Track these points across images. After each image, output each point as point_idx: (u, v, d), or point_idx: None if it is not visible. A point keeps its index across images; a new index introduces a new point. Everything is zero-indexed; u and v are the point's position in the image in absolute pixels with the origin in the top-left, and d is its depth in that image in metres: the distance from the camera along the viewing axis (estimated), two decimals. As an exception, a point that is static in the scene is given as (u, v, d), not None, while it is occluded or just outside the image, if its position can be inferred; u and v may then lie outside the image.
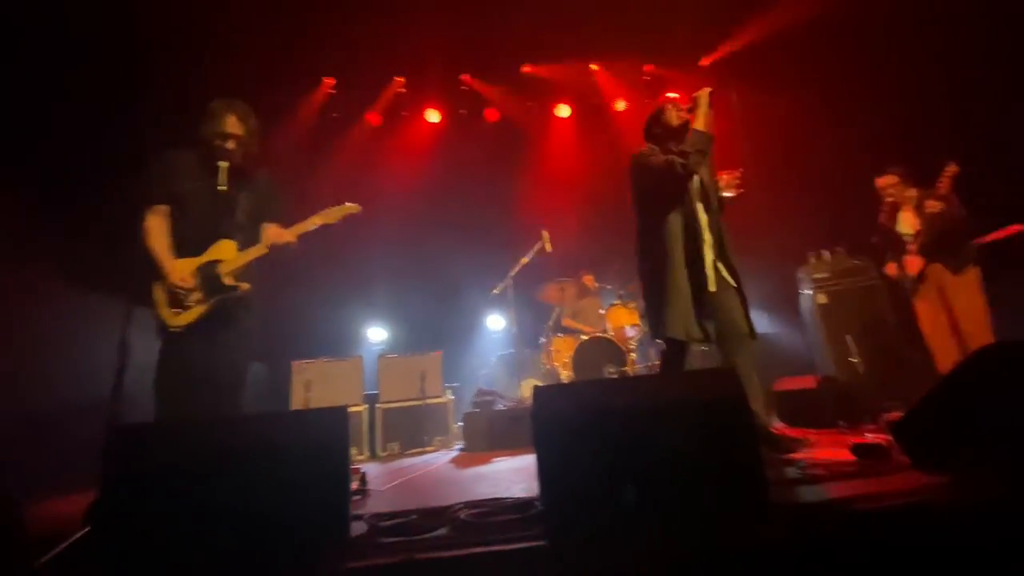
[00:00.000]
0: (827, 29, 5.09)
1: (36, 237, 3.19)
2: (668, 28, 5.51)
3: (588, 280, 5.54)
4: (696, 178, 2.45)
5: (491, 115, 6.51)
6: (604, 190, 5.71)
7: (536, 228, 5.23)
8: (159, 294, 2.22)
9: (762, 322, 5.84)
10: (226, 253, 2.28)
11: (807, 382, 3.14)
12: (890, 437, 1.76)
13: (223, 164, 2.30)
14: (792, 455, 2.05)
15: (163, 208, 2.28)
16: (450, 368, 5.24)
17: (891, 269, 3.86)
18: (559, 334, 5.18)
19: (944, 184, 3.43)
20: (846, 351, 4.47)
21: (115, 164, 3.25)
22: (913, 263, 3.64)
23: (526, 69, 6.20)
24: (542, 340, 5.32)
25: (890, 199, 3.76)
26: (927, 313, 3.62)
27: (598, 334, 4.84)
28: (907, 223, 3.71)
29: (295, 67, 5.52)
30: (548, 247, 5.13)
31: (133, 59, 4.06)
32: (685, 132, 2.42)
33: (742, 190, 2.56)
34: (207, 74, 4.32)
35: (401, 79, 6.13)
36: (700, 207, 2.44)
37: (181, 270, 2.20)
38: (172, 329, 2.18)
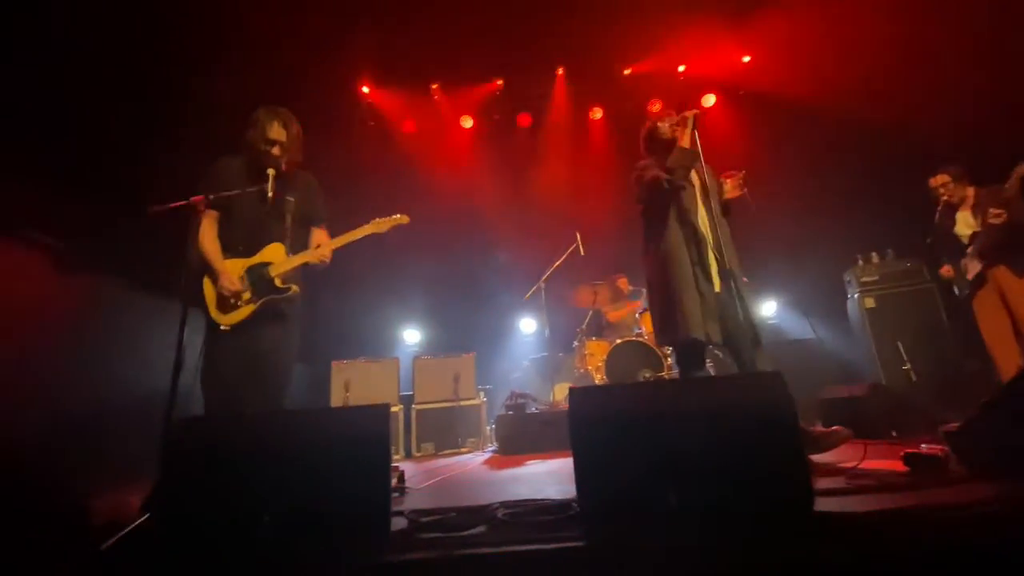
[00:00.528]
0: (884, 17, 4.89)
1: (98, 241, 3.40)
2: (705, 27, 5.41)
3: (622, 283, 5.48)
4: (697, 183, 2.55)
5: (524, 120, 6.55)
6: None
7: (569, 231, 5.22)
8: (209, 294, 2.32)
9: (807, 327, 5.64)
10: (275, 256, 2.38)
11: (856, 390, 3.01)
12: (946, 448, 1.67)
13: (271, 171, 2.39)
14: (832, 450, 1.99)
15: (213, 213, 2.38)
16: (483, 371, 5.29)
17: (947, 271, 3.67)
18: (593, 337, 5.14)
19: (1014, 185, 3.20)
20: (896, 357, 4.27)
21: (172, 168, 3.44)
22: (972, 265, 3.45)
23: (560, 73, 6.21)
24: (575, 344, 5.30)
25: (944, 198, 3.57)
26: (987, 318, 3.42)
27: (633, 338, 4.78)
28: (965, 224, 3.51)
29: (332, 72, 5.68)
30: (581, 250, 5.12)
31: (178, 63, 4.29)
32: (677, 143, 2.53)
33: (745, 190, 2.64)
34: (246, 79, 4.51)
35: (436, 84, 6.24)
36: (703, 210, 2.53)
37: (232, 272, 2.31)
38: (222, 328, 2.27)
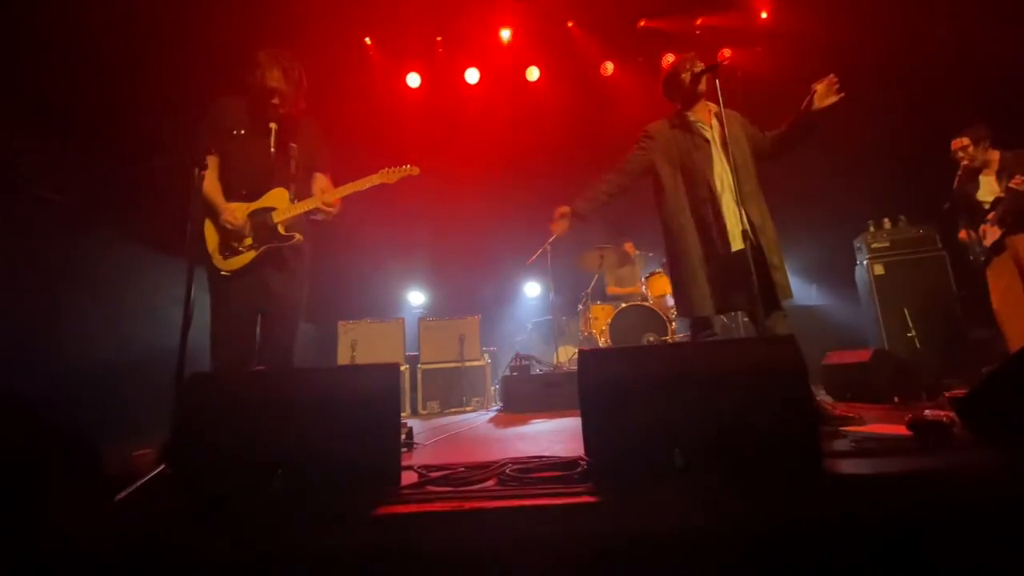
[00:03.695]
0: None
1: (105, 198, 3.36)
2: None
3: (629, 247, 5.43)
4: (717, 137, 2.40)
5: (532, 74, 6.32)
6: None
7: (577, 193, 5.13)
8: (211, 237, 2.26)
9: (813, 293, 5.61)
10: (279, 202, 2.31)
11: (860, 355, 3.01)
12: (951, 414, 1.68)
13: (272, 126, 2.34)
14: (843, 428, 2.00)
15: (214, 158, 2.30)
16: (487, 333, 5.34)
17: (964, 236, 3.59)
18: (597, 301, 5.14)
19: None
20: (902, 325, 4.26)
21: (174, 123, 3.35)
22: (991, 232, 3.37)
23: (571, 26, 5.95)
24: (579, 307, 5.30)
25: (965, 162, 3.46)
26: (999, 286, 3.38)
27: (638, 302, 4.78)
28: (988, 189, 3.41)
29: (336, 27, 5.48)
30: (589, 213, 5.04)
31: (178, 15, 4.13)
32: (696, 93, 2.46)
33: (842, 94, 2.33)
34: (248, 32, 4.35)
35: (439, 38, 6.00)
36: (720, 166, 2.38)
37: (234, 210, 2.24)
38: (223, 272, 2.23)
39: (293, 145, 2.35)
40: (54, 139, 3.31)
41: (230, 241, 2.24)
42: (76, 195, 3.31)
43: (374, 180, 2.47)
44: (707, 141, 2.44)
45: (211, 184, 2.26)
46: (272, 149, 2.29)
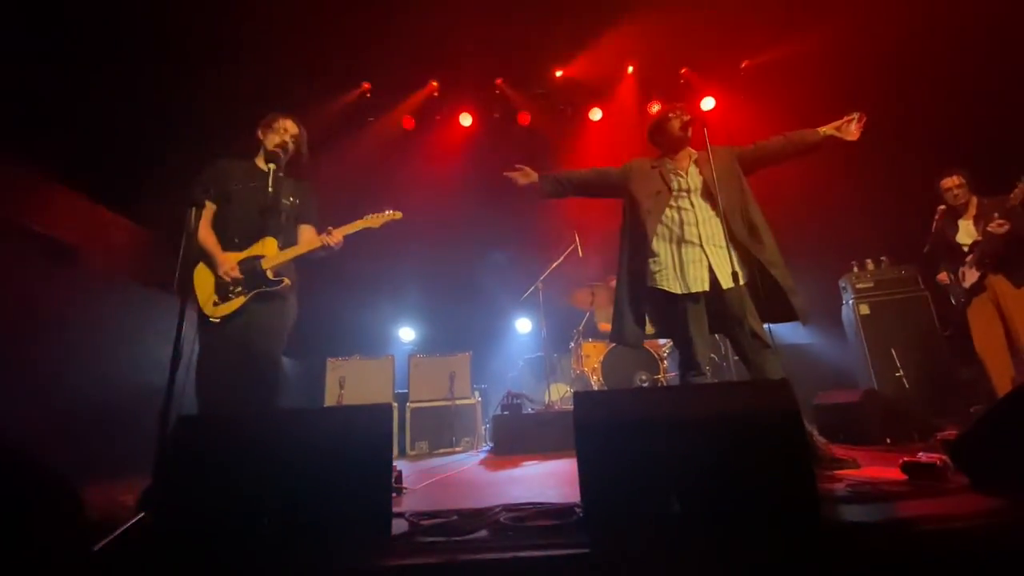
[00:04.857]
0: (877, 31, 4.92)
1: (95, 233, 3.35)
2: (708, 30, 5.42)
3: (614, 283, 5.48)
4: (699, 183, 2.46)
5: (524, 119, 6.52)
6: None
7: (568, 232, 5.22)
8: (201, 286, 2.36)
9: (801, 332, 5.67)
10: (268, 250, 2.42)
11: (850, 396, 3.02)
12: (944, 456, 1.68)
13: (271, 166, 2.48)
14: (838, 471, 1.99)
15: (211, 206, 2.44)
16: (478, 370, 5.28)
17: (943, 279, 3.68)
18: (589, 339, 5.14)
19: (1019, 195, 3.20)
20: (890, 364, 4.30)
21: (165, 161, 3.39)
22: (969, 274, 3.47)
23: (559, 72, 6.19)
24: (571, 344, 5.30)
25: (951, 202, 3.55)
26: (980, 327, 3.44)
27: (629, 340, 4.78)
28: (966, 232, 3.51)
29: (332, 70, 5.64)
30: (580, 251, 5.12)
31: (177, 61, 4.24)
32: (682, 140, 2.54)
33: (860, 134, 2.48)
34: (245, 77, 4.47)
35: (435, 83, 6.21)
36: (698, 213, 2.43)
37: (229, 261, 2.36)
38: (211, 319, 2.31)
39: (287, 200, 2.53)
40: (44, 173, 3.32)
41: (223, 288, 2.35)
42: (62, 229, 3.30)
43: (358, 225, 2.60)
44: (684, 190, 2.47)
45: (206, 233, 2.41)
46: (267, 203, 2.44)
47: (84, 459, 2.62)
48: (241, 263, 2.38)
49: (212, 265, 2.36)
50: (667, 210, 2.46)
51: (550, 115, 6.48)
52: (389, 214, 2.66)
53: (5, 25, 3.23)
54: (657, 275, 2.42)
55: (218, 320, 2.31)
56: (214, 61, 4.43)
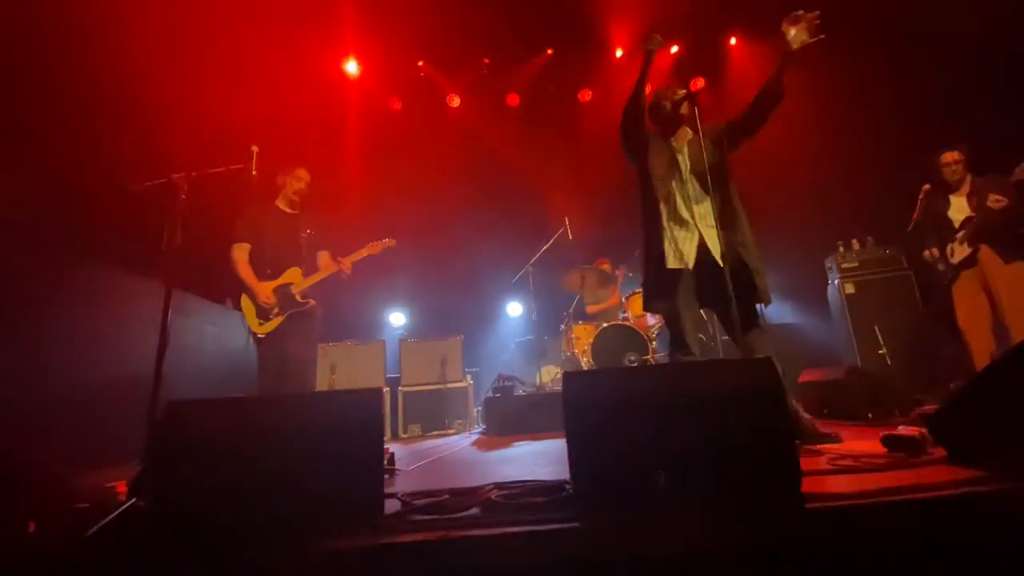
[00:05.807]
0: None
1: (78, 222, 3.29)
2: (699, 9, 5.37)
3: (604, 266, 5.49)
4: (688, 166, 2.49)
5: (513, 100, 6.45)
6: (629, 177, 5.65)
7: (558, 215, 5.21)
8: (248, 308, 3.03)
9: (787, 311, 5.75)
10: (295, 278, 3.10)
11: (834, 372, 3.09)
12: (923, 430, 1.73)
13: (294, 212, 3.24)
14: (820, 446, 2.04)
15: (246, 245, 3.09)
16: (470, 353, 5.30)
17: (931, 254, 3.68)
18: (579, 321, 5.18)
19: (1021, 172, 3.20)
20: (873, 342, 4.40)
21: (142, 148, 3.31)
22: (959, 250, 3.49)
23: (550, 52, 6.11)
24: (562, 327, 5.33)
25: (952, 176, 3.55)
26: (965, 302, 3.48)
27: (619, 322, 4.83)
28: (958, 208, 3.53)
29: (320, 47, 5.52)
30: (569, 234, 5.12)
31: (150, 45, 4.11)
32: (676, 119, 2.53)
33: (821, 35, 2.20)
34: (234, 55, 4.36)
35: (423, 63, 6.10)
36: (690, 190, 2.46)
37: (266, 290, 3.02)
38: (259, 336, 2.98)
39: (304, 235, 3.19)
40: (19, 157, 3.23)
41: (264, 311, 3.01)
42: (43, 216, 3.22)
43: (363, 252, 3.33)
44: (681, 166, 2.52)
45: (245, 268, 3.05)
46: (291, 239, 3.14)
47: (72, 446, 2.61)
48: (275, 290, 3.05)
49: (252, 295, 2.99)
50: (672, 183, 2.49)
51: (542, 97, 6.42)
52: (386, 242, 3.39)
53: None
54: (664, 247, 2.44)
55: (264, 336, 2.98)
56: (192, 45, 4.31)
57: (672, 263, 2.41)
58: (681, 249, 2.42)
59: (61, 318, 2.98)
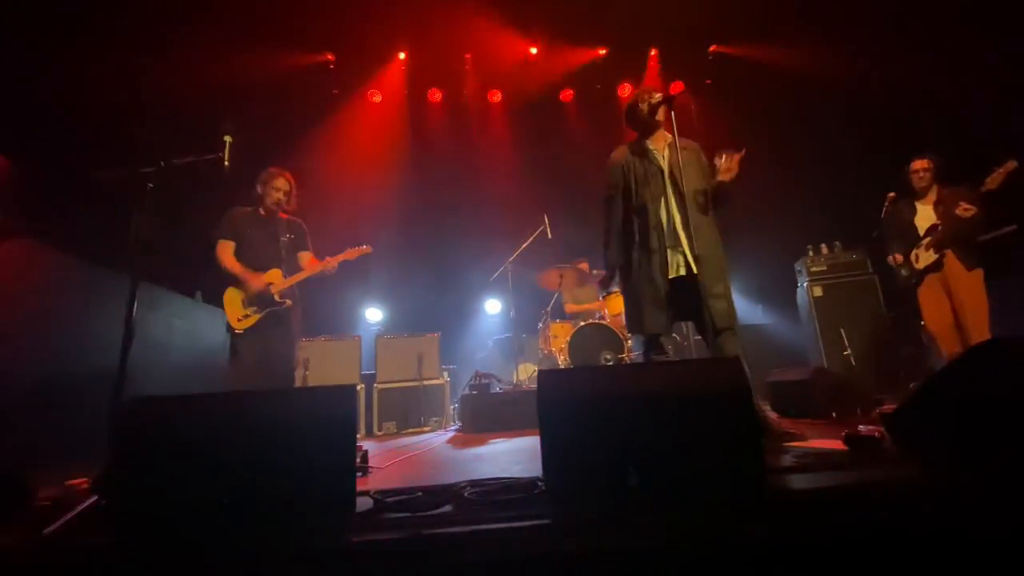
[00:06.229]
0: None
1: (42, 212, 3.16)
2: (678, 14, 5.44)
3: (584, 267, 5.54)
4: (665, 167, 2.54)
5: (494, 96, 6.44)
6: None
7: (537, 213, 5.23)
8: (230, 304, 3.04)
9: (757, 313, 5.89)
10: (275, 278, 3.13)
11: (800, 373, 3.18)
12: (881, 429, 1.80)
13: (273, 224, 3.25)
14: (785, 444, 2.10)
15: (230, 243, 3.14)
16: (447, 350, 5.28)
17: (896, 260, 3.76)
18: (557, 319, 5.21)
19: (996, 180, 3.25)
20: (839, 343, 4.54)
21: (114, 133, 3.20)
22: (924, 256, 3.59)
23: (532, 51, 6.11)
24: (540, 325, 5.35)
25: (920, 184, 3.65)
26: (931, 306, 3.58)
27: (596, 321, 4.88)
28: (924, 216, 3.62)
29: (297, 40, 5.41)
30: (549, 233, 5.14)
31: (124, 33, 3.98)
32: (653, 123, 2.58)
33: (734, 175, 2.46)
34: (212, 50, 4.25)
35: (402, 55, 6.03)
36: (669, 195, 2.50)
37: (260, 279, 3.06)
38: (237, 331, 3.01)
39: (284, 238, 3.24)
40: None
41: (243, 308, 3.04)
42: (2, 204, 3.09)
43: (340, 258, 3.34)
44: (660, 170, 2.55)
45: (232, 261, 3.09)
46: (271, 242, 3.19)
47: (33, 442, 2.52)
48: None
49: (242, 286, 3.04)
50: (665, 193, 2.51)
51: (523, 94, 6.41)
52: (362, 248, 3.46)
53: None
54: (672, 264, 2.46)
55: (242, 331, 3.01)
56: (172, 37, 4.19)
57: (648, 274, 2.46)
58: (669, 260, 2.45)
59: (21, 310, 2.87)
